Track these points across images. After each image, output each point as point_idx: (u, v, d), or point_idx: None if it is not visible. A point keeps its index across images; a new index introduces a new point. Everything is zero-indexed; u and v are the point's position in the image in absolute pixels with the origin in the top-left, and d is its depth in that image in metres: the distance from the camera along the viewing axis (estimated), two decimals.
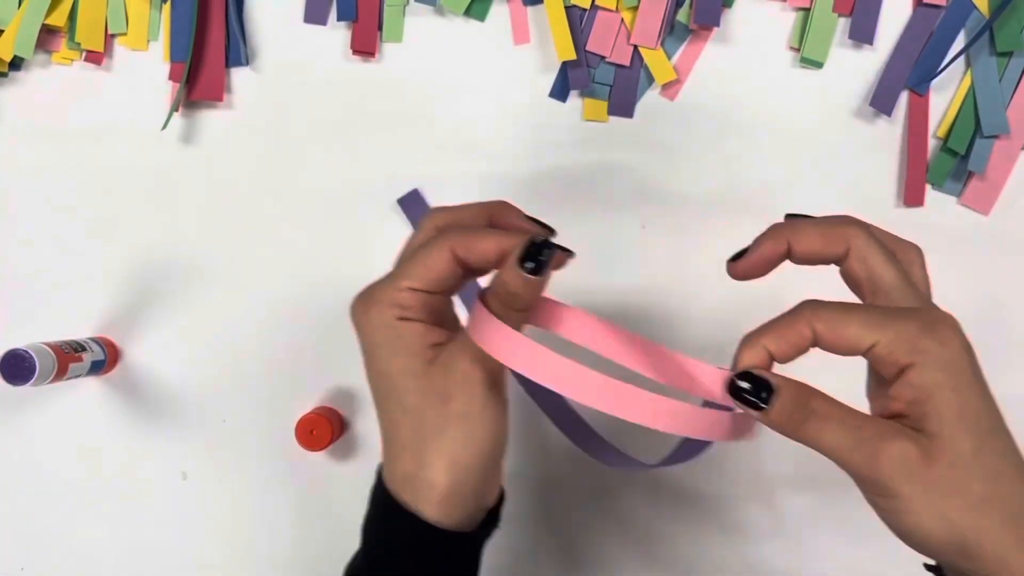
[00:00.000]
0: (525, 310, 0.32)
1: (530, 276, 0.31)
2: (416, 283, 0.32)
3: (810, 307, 0.30)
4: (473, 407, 0.32)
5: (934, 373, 0.28)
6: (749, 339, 0.30)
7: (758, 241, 0.33)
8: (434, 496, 0.32)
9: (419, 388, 0.32)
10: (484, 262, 0.32)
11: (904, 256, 0.33)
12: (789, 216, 0.34)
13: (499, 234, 0.32)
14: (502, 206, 0.35)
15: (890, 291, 0.31)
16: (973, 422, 0.29)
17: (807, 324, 0.29)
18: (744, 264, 0.33)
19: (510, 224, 0.34)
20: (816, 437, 0.29)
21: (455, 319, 0.36)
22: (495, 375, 0.33)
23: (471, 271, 0.33)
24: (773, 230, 0.33)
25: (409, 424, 0.32)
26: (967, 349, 0.29)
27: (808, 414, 0.29)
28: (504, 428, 0.33)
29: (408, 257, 0.33)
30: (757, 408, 0.29)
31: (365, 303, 0.33)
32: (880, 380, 0.30)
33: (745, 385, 0.30)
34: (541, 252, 0.31)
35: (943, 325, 0.29)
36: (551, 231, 0.34)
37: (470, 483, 0.33)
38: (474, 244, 0.32)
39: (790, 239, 0.32)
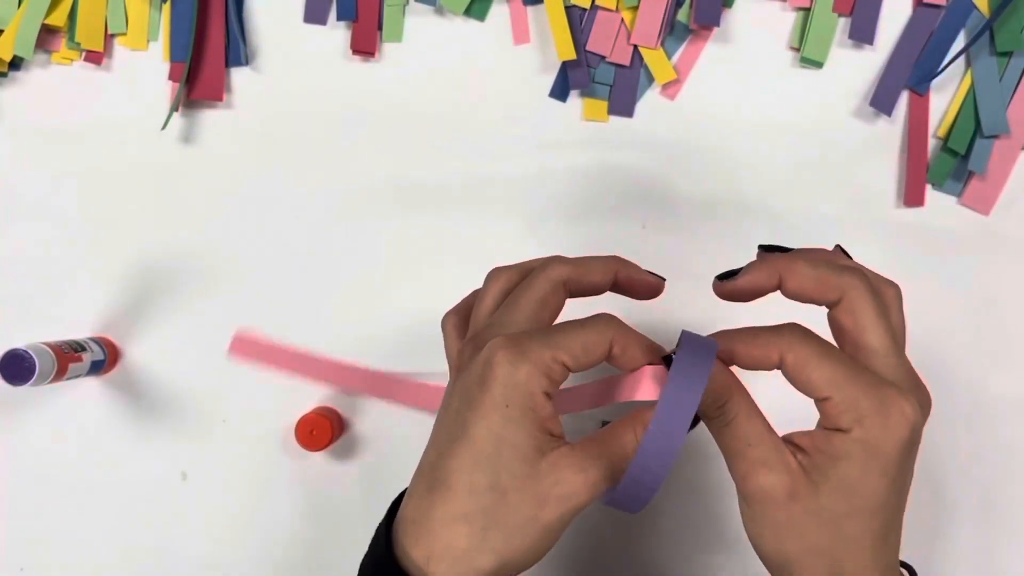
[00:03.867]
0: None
1: None
2: (570, 361, 0.30)
3: (790, 334, 0.30)
4: (559, 524, 0.30)
5: (855, 448, 0.29)
6: (721, 336, 0.31)
7: (750, 267, 0.33)
8: None
9: (523, 475, 0.29)
10: (628, 368, 0.32)
11: (883, 295, 0.33)
12: (766, 247, 0.34)
13: (651, 349, 0.32)
14: (622, 262, 0.35)
15: (871, 353, 0.31)
16: (858, 497, 0.29)
17: (778, 351, 0.30)
18: (731, 286, 0.33)
19: (634, 278, 0.35)
20: (714, 433, 0.31)
21: None
22: (590, 502, 0.30)
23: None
24: (768, 262, 0.32)
25: (488, 500, 0.30)
26: (908, 442, 0.29)
27: (719, 412, 0.31)
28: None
29: (566, 329, 0.31)
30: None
31: (516, 354, 0.30)
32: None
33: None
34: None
35: (898, 412, 0.29)
36: (663, 280, 0.36)
37: None
38: (631, 348, 0.31)
39: (783, 274, 0.32)
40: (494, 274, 0.35)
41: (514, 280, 0.35)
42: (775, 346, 0.30)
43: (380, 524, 0.32)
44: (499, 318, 0.33)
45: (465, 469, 0.30)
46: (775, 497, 0.29)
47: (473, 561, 0.29)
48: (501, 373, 0.30)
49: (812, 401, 0.30)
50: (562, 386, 0.31)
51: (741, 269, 0.33)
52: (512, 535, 0.30)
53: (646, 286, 0.35)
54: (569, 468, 0.30)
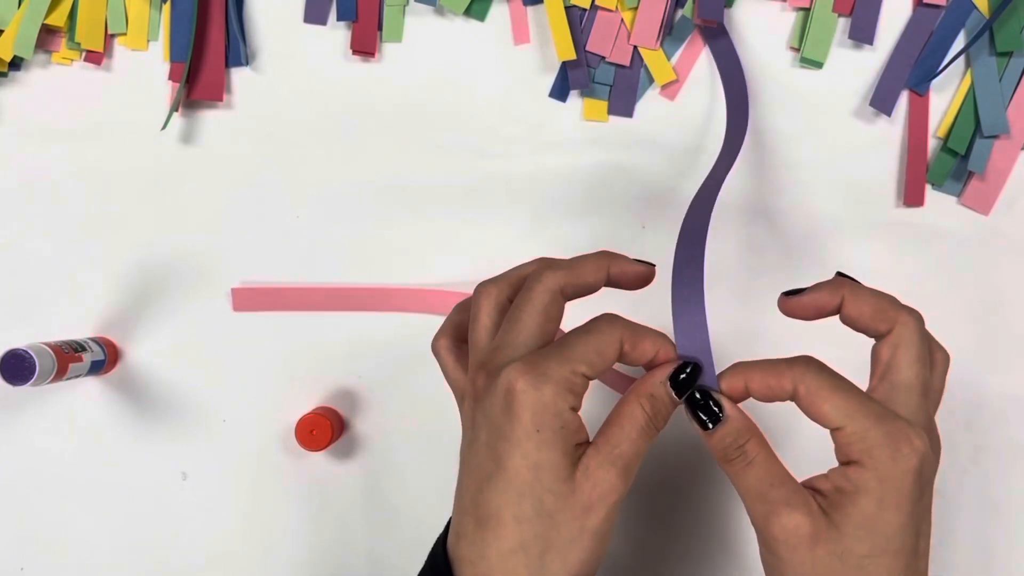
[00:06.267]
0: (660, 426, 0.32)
1: (675, 397, 0.32)
2: (589, 370, 0.31)
3: (803, 365, 0.31)
4: (607, 525, 0.31)
5: (869, 480, 0.29)
6: (737, 368, 0.32)
7: (816, 287, 0.33)
8: None
9: (562, 492, 0.30)
10: (642, 361, 0.32)
11: (932, 348, 0.33)
12: (841, 275, 0.35)
13: (659, 337, 0.32)
14: (611, 256, 0.35)
15: (896, 388, 0.31)
16: (879, 535, 0.29)
17: (792, 381, 0.30)
18: (796, 303, 0.34)
19: (625, 271, 0.35)
20: (734, 476, 0.31)
21: None
22: (627, 490, 0.31)
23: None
24: (834, 284, 0.33)
25: (539, 526, 0.30)
26: (918, 473, 0.29)
27: (739, 453, 0.31)
28: None
29: (576, 339, 0.31)
30: (703, 426, 0.31)
31: (537, 376, 0.30)
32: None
33: (701, 401, 0.31)
34: (690, 379, 0.32)
35: (907, 443, 0.29)
36: (653, 267, 0.36)
37: None
38: (640, 342, 0.32)
39: (846, 296, 0.33)
40: (482, 290, 0.35)
41: (505, 292, 0.34)
42: (788, 376, 0.30)
43: (438, 565, 0.32)
44: (505, 339, 0.32)
45: (510, 502, 0.30)
46: (799, 539, 0.29)
47: None
48: (526, 399, 0.30)
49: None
50: None
51: (806, 289, 0.34)
52: (568, 552, 0.30)
53: (637, 276, 0.35)
54: (600, 467, 0.30)
